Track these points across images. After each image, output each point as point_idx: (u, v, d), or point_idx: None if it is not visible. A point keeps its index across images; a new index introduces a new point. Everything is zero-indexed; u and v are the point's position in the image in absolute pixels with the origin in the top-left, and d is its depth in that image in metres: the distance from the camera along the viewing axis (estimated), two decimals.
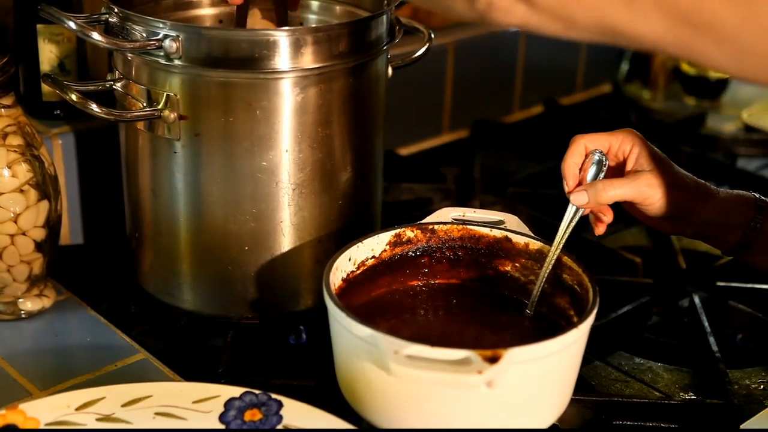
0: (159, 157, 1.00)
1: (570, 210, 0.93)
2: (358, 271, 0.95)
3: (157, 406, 0.85)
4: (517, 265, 0.97)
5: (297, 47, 0.94)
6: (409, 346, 0.77)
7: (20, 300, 1.06)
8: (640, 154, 0.94)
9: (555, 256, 0.93)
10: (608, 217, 0.95)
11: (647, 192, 0.92)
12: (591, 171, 0.93)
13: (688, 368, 1.04)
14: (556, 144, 0.96)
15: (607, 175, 0.94)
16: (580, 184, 0.93)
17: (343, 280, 0.93)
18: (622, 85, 1.82)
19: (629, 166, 0.94)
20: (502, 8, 0.69)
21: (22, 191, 1.01)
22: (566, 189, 0.93)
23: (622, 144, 0.94)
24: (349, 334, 0.82)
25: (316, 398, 0.86)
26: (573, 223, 0.93)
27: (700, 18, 0.64)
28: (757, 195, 0.97)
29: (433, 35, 1.14)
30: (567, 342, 0.82)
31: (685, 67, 1.76)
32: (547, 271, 0.93)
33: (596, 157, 0.93)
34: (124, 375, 0.98)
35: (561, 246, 0.92)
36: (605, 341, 1.05)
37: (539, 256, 0.95)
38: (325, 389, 0.91)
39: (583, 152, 0.94)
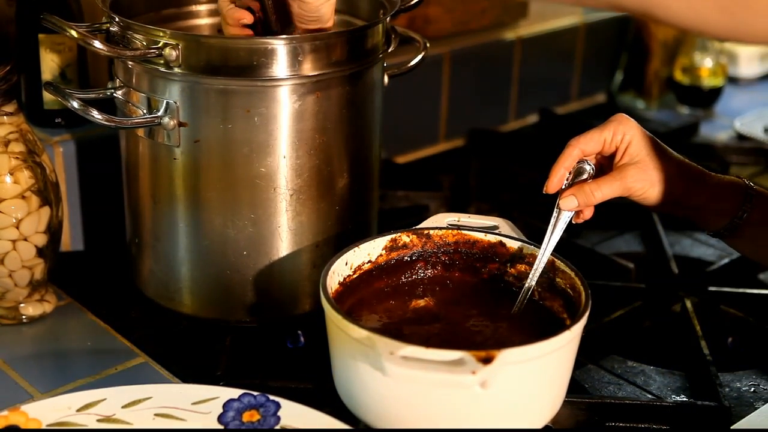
0: (159, 164, 1.02)
1: (555, 214, 0.95)
2: (355, 276, 0.96)
3: (157, 407, 0.86)
4: (511, 269, 0.99)
5: (294, 55, 0.96)
6: (404, 347, 0.79)
7: (21, 305, 1.07)
8: (631, 144, 0.95)
9: (545, 256, 0.94)
10: (588, 213, 0.96)
11: (634, 187, 0.94)
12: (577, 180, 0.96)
13: (680, 371, 1.05)
14: (551, 153, 0.97)
15: (601, 168, 0.97)
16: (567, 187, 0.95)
17: (340, 284, 0.94)
18: (616, 94, 1.83)
19: (618, 158, 0.96)
20: None
21: (23, 197, 1.02)
22: (545, 188, 0.95)
23: (615, 136, 0.95)
24: (346, 336, 0.83)
25: (314, 400, 0.87)
26: (561, 225, 0.95)
27: None
28: (747, 182, 0.98)
29: (428, 44, 1.16)
30: (560, 343, 0.83)
31: (678, 76, 1.77)
32: (538, 269, 0.94)
33: (586, 167, 0.96)
34: (125, 378, 0.99)
35: (549, 244, 0.94)
36: (598, 345, 1.07)
37: (533, 261, 0.97)
38: (323, 391, 0.93)
39: (577, 158, 0.96)
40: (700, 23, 0.69)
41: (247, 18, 1.00)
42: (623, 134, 0.95)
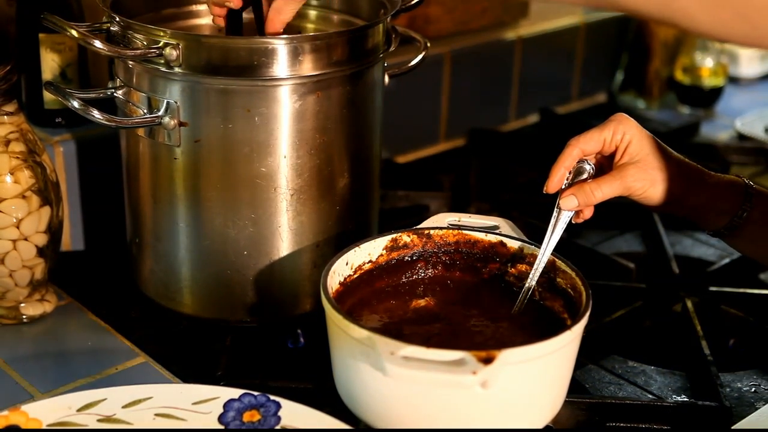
0: (159, 164, 1.02)
1: (555, 213, 0.95)
2: (355, 276, 0.96)
3: (157, 407, 0.86)
4: (512, 269, 0.99)
5: (295, 55, 0.96)
6: (405, 348, 0.79)
7: (22, 305, 1.07)
8: (631, 143, 0.95)
9: (545, 256, 0.94)
10: (588, 213, 0.96)
11: (634, 186, 0.94)
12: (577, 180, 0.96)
13: (680, 371, 1.05)
14: (551, 152, 0.97)
15: (601, 168, 0.97)
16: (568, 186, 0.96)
17: (341, 283, 0.94)
18: (617, 94, 1.83)
19: (618, 157, 0.96)
20: None
21: (24, 197, 1.02)
22: (545, 188, 0.95)
23: (615, 135, 0.95)
24: (346, 336, 0.83)
25: (314, 400, 0.87)
26: (562, 224, 0.95)
27: None
28: (747, 181, 0.98)
29: (428, 44, 1.16)
30: (561, 343, 0.83)
31: (679, 76, 1.77)
32: (538, 269, 0.94)
33: (586, 167, 0.96)
34: (125, 378, 0.99)
35: (550, 244, 0.94)
36: (599, 345, 1.07)
37: (533, 261, 0.96)
38: (323, 392, 0.93)
39: (577, 157, 0.96)
40: (725, 33, 0.69)
41: (234, 2, 1.00)
42: (623, 133, 0.95)
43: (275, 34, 0.99)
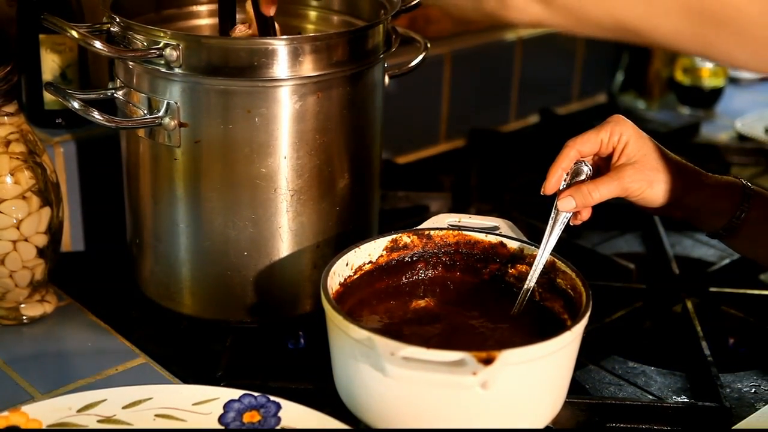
0: (159, 164, 1.02)
1: (553, 215, 0.95)
2: (356, 276, 0.96)
3: (157, 408, 0.86)
4: (512, 270, 0.99)
5: (295, 55, 0.96)
6: (405, 348, 0.79)
7: (22, 305, 1.07)
8: (628, 145, 0.95)
9: (543, 257, 0.94)
10: (586, 214, 0.96)
11: (632, 187, 0.94)
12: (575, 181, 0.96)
13: (681, 372, 1.05)
14: (551, 153, 0.98)
15: (598, 169, 0.97)
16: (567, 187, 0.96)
17: (341, 284, 0.94)
18: (617, 95, 1.83)
19: (615, 158, 0.96)
20: (516, 6, 0.70)
21: (24, 198, 1.02)
22: (542, 190, 0.95)
23: (612, 136, 0.96)
24: (346, 337, 0.83)
25: (314, 401, 0.87)
26: (560, 225, 0.95)
27: (719, 11, 0.65)
28: (744, 182, 0.99)
29: (429, 45, 1.16)
30: (561, 344, 0.83)
31: (679, 77, 1.77)
32: (536, 271, 0.94)
33: (584, 168, 0.96)
34: (125, 379, 0.99)
35: (548, 246, 0.94)
36: (599, 345, 1.07)
37: (533, 261, 0.96)
38: (323, 392, 0.93)
39: (575, 158, 0.96)
40: (763, 67, 0.69)
41: None
42: (620, 135, 0.95)
43: (270, 11, 0.99)
